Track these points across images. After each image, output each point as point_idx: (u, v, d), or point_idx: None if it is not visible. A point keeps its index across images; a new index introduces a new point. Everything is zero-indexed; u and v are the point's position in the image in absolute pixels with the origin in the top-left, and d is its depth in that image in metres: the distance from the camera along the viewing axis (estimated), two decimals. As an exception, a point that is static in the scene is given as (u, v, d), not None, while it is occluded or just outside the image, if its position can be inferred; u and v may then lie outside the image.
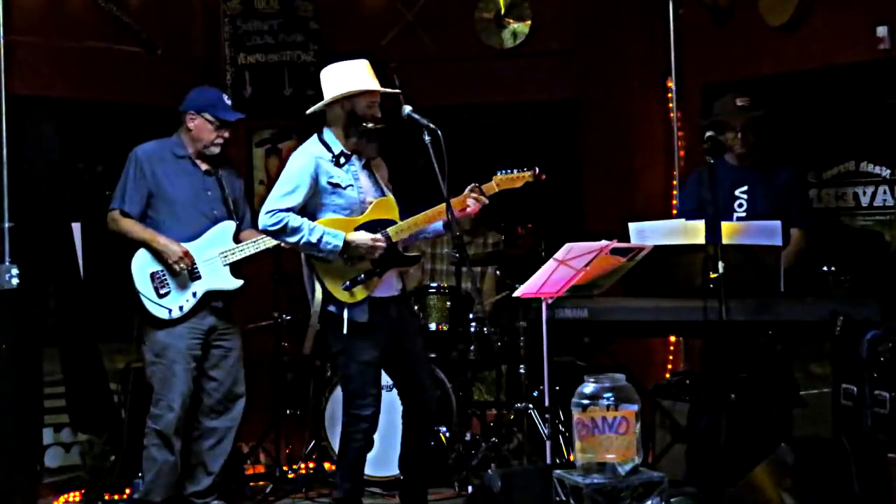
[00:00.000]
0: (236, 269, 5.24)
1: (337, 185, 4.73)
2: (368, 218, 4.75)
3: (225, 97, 5.36)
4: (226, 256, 5.20)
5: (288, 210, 4.63)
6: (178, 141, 5.28)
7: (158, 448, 5.13)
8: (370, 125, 4.74)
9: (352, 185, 4.76)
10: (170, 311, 5.12)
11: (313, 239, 4.62)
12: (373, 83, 4.76)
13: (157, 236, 5.13)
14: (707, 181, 4.56)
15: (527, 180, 4.86)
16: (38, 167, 5.93)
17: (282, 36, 6.93)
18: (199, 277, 5.17)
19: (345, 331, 4.64)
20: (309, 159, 4.72)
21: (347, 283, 4.66)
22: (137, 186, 5.18)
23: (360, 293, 4.68)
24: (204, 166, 5.29)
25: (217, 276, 5.19)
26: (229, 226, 5.26)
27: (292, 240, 4.65)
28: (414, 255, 5.00)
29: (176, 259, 5.10)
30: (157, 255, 5.12)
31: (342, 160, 4.76)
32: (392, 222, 4.77)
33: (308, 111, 4.87)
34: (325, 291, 4.70)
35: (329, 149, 4.77)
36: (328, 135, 4.81)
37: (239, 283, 5.24)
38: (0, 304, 5.16)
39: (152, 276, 5.13)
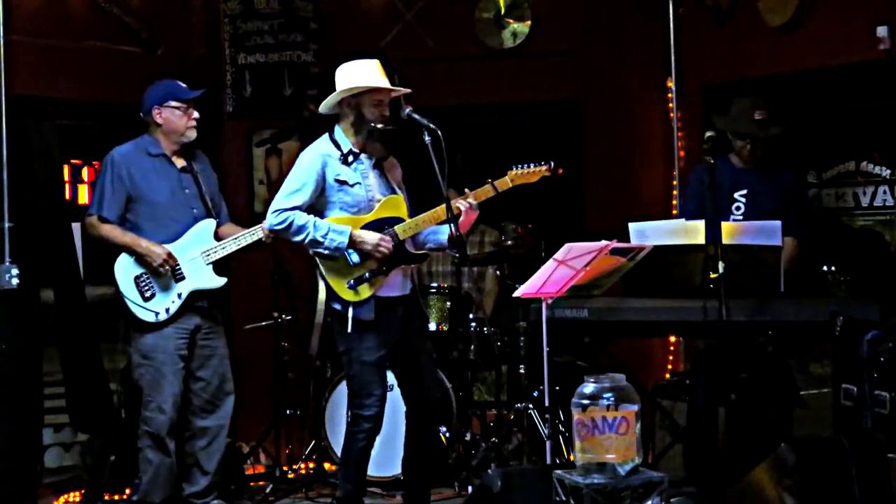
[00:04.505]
0: (219, 267, 5.21)
1: (344, 183, 4.71)
2: (376, 216, 4.73)
3: (178, 82, 5.30)
4: (208, 255, 5.17)
5: (294, 209, 4.63)
6: (152, 140, 5.24)
7: (153, 449, 5.13)
8: (378, 125, 4.72)
9: (359, 183, 4.74)
10: (156, 314, 5.10)
11: (318, 236, 4.61)
12: (380, 81, 4.73)
13: (139, 240, 5.10)
14: (707, 181, 4.55)
15: (543, 175, 4.83)
16: (38, 167, 5.93)
17: (282, 36, 6.93)
18: (183, 278, 5.14)
19: (349, 329, 4.64)
20: (316, 157, 4.72)
21: (352, 281, 4.65)
22: (115, 191, 5.14)
23: (364, 291, 4.66)
24: (179, 163, 5.27)
25: (201, 276, 5.17)
26: (209, 224, 5.23)
27: (298, 238, 4.65)
28: (421, 252, 4.93)
29: (160, 262, 5.07)
30: (140, 258, 5.09)
31: (350, 158, 4.74)
32: (399, 220, 4.75)
33: (320, 109, 4.86)
34: (329, 289, 4.69)
35: (338, 147, 4.76)
36: (338, 132, 4.80)
37: (222, 280, 5.21)
38: (0, 304, 5.15)
39: (136, 280, 5.11)
